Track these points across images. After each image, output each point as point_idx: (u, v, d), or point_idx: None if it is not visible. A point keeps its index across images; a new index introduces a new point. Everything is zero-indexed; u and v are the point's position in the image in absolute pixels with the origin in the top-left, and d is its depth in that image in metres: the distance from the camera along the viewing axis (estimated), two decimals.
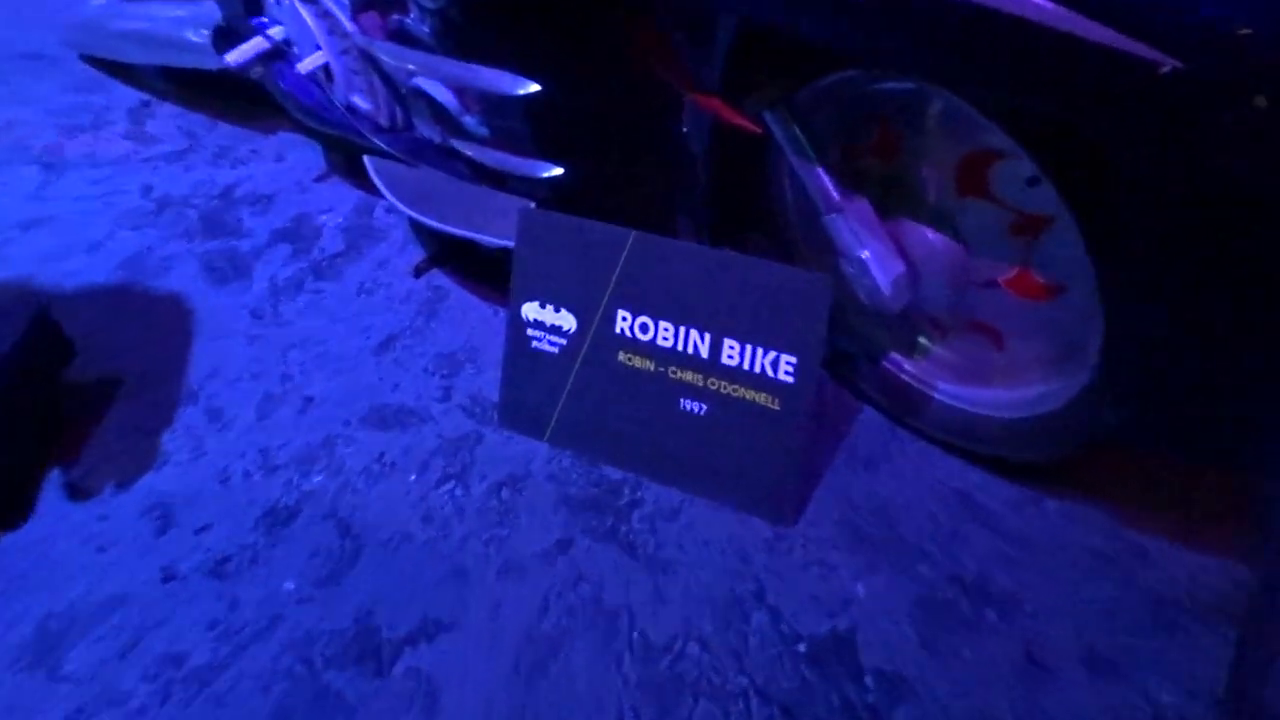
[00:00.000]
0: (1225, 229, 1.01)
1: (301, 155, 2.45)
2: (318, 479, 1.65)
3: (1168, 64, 0.91)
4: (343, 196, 2.30)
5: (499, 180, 1.80)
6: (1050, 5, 0.95)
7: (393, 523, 1.55)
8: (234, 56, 2.10)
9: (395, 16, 1.79)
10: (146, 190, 2.40)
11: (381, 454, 1.68)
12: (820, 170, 1.37)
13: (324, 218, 2.24)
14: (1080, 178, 1.11)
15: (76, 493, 1.68)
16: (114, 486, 1.68)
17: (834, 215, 1.39)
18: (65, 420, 1.78)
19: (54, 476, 1.70)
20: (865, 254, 1.39)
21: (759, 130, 1.37)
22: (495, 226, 1.73)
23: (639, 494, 1.57)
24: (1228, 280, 1.05)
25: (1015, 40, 0.99)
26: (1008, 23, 0.98)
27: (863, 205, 1.40)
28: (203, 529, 1.57)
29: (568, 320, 1.60)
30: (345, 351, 1.90)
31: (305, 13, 1.96)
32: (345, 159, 2.35)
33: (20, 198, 2.43)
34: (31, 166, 2.54)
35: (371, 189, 2.01)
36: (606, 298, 1.56)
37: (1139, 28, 0.92)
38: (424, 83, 1.80)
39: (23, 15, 3.32)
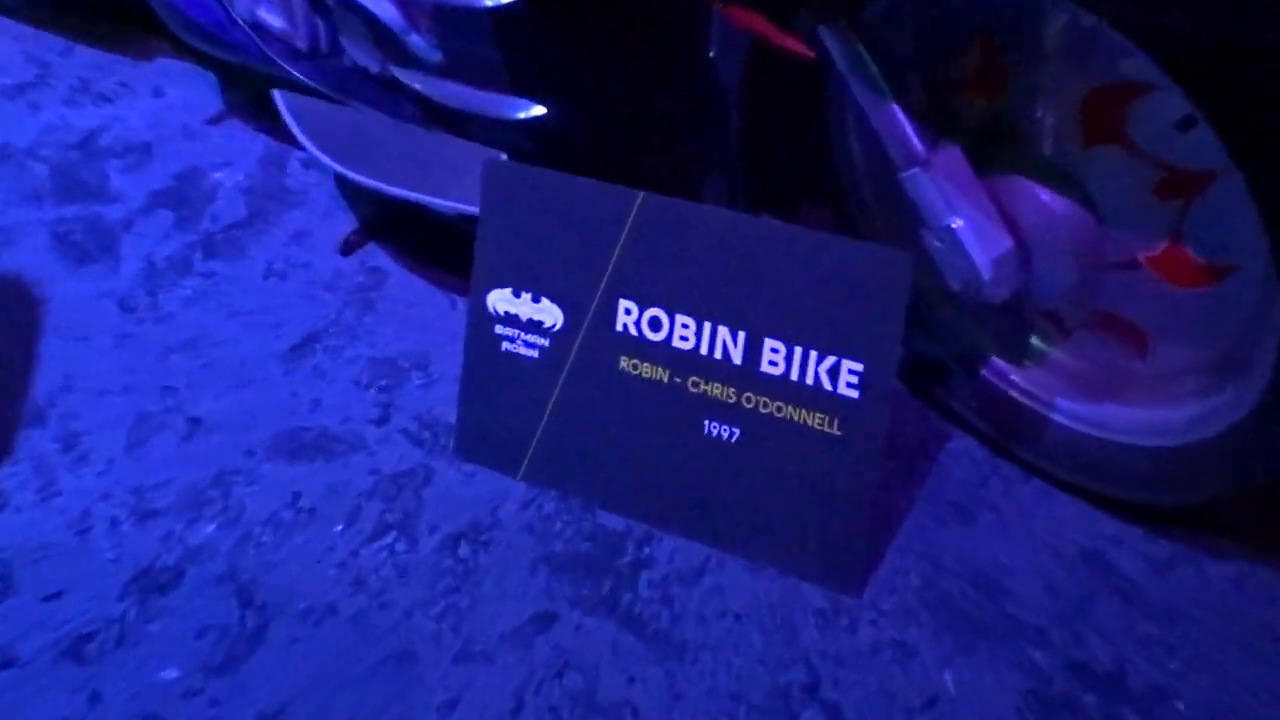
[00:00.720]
0: None
1: (188, 90, 2.46)
2: (209, 530, 1.65)
3: None
4: (245, 146, 2.31)
5: (458, 124, 1.80)
6: None
7: (311, 590, 1.55)
8: None
9: None
10: None
11: (296, 496, 1.68)
12: (897, 109, 1.37)
13: (219, 175, 2.25)
14: (1249, 117, 1.11)
15: None
16: None
17: (915, 171, 1.39)
18: None
19: None
20: (958, 223, 1.39)
21: (812, 54, 1.37)
22: (453, 187, 1.73)
23: (647, 550, 1.57)
24: None
25: None
26: None
27: (955, 156, 1.40)
28: (53, 596, 1.57)
29: (551, 314, 1.61)
30: (247, 357, 1.91)
31: None
32: (249, 95, 2.35)
33: None
34: None
35: (285, 136, 2.01)
36: (604, 284, 1.57)
37: None
38: None
39: None
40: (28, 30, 2.71)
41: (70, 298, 2.04)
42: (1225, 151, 1.15)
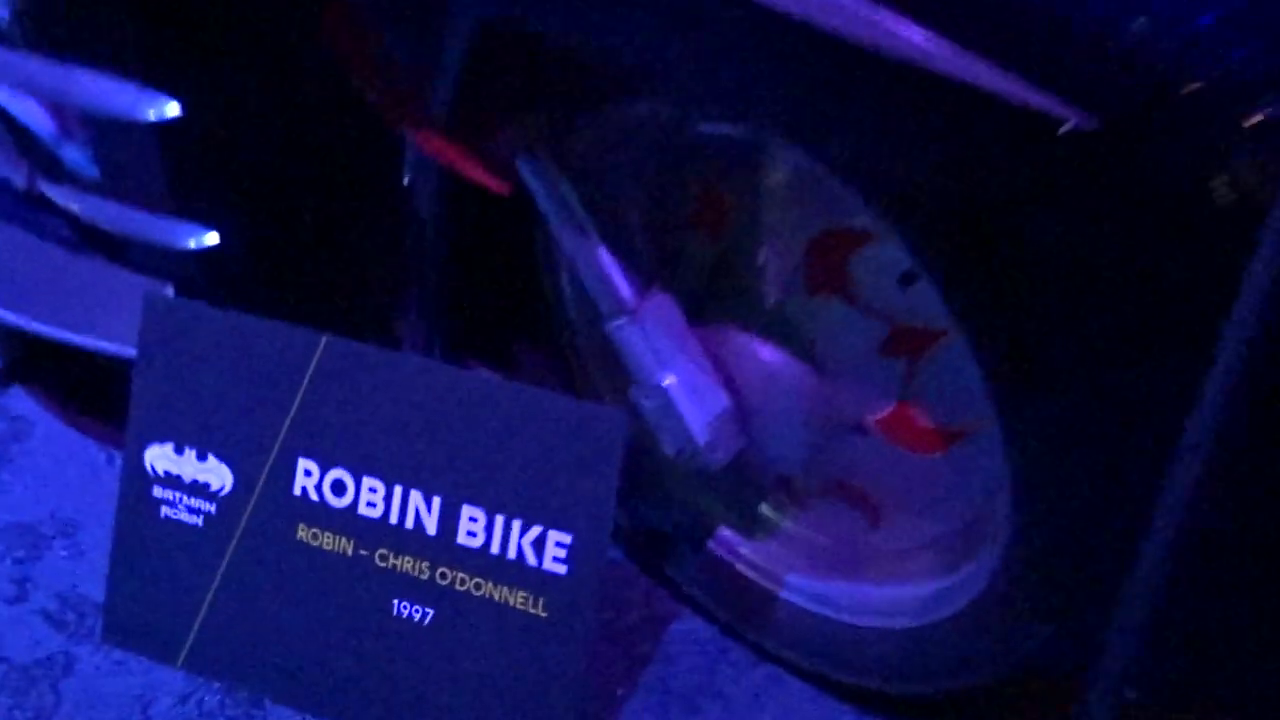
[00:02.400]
0: (1168, 351, 1.06)
1: None
2: None
3: (1074, 120, 0.95)
4: None
5: (117, 250, 1.75)
6: (933, 41, 0.99)
7: None
8: None
9: None
10: None
11: None
12: (603, 252, 1.39)
13: None
14: (971, 272, 1.15)
15: None
16: None
17: (622, 322, 1.41)
18: None
19: None
20: (669, 380, 1.40)
21: (506, 190, 1.38)
22: (109, 323, 1.68)
23: None
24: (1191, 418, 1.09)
25: (883, 80, 1.03)
26: (872, 55, 1.02)
27: (667, 305, 1.42)
28: None
29: (219, 475, 1.57)
30: None
31: None
32: None
33: None
34: None
35: None
36: (281, 440, 1.54)
37: (1045, 72, 0.97)
38: (2, 95, 1.75)
39: None
40: None
41: None
42: (948, 307, 1.18)
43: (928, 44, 0.98)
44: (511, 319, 1.69)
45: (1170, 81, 0.95)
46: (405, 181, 1.53)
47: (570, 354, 1.70)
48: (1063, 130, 0.95)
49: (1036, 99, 0.95)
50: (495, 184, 1.37)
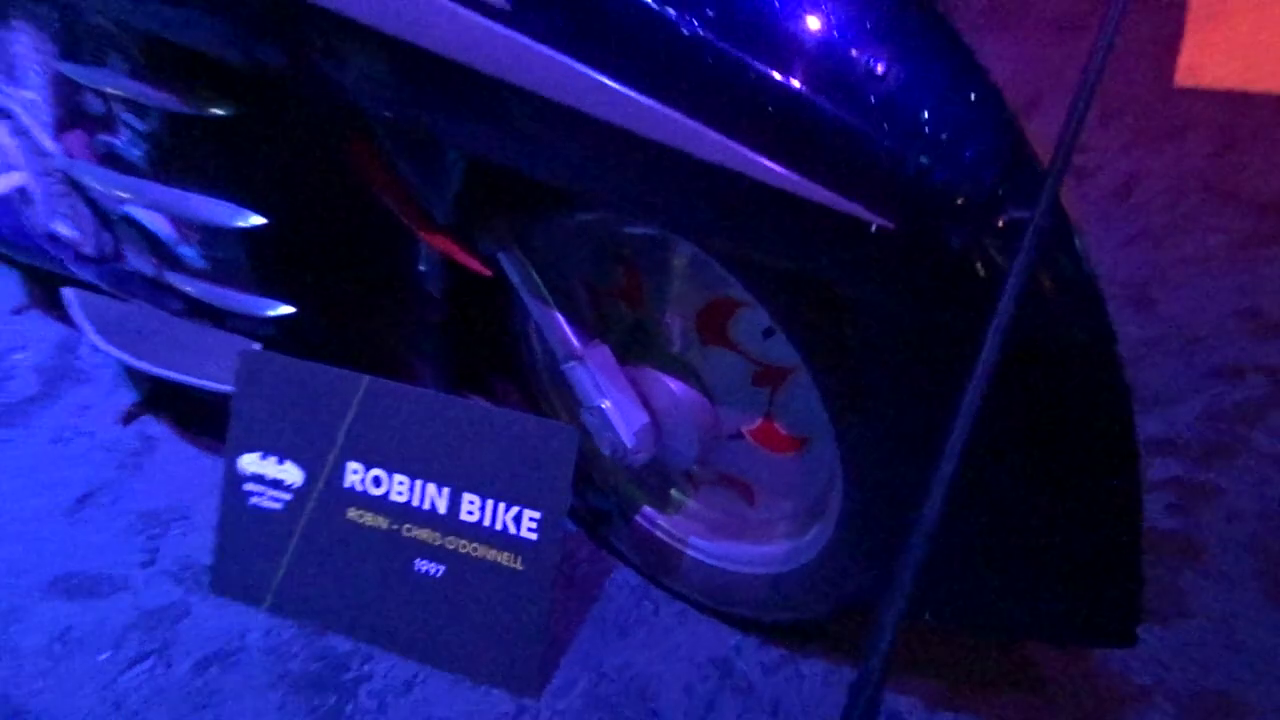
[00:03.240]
0: (950, 387, 1.14)
1: None
2: None
3: (880, 223, 1.04)
4: (43, 332, 2.26)
5: (219, 318, 1.82)
6: (773, 165, 1.08)
7: (77, 709, 1.52)
8: None
9: (103, 137, 1.81)
10: None
11: (67, 629, 1.64)
12: (558, 314, 1.46)
13: (18, 356, 2.20)
14: (812, 330, 1.24)
15: None
16: None
17: (573, 363, 1.47)
18: None
19: None
20: (606, 404, 1.47)
21: (489, 273, 1.45)
22: (213, 369, 1.75)
23: (368, 667, 1.58)
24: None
25: (741, 194, 1.10)
26: (732, 177, 1.10)
27: (603, 352, 1.49)
28: None
29: (292, 474, 1.63)
30: (31, 511, 1.86)
31: None
32: (45, 289, 2.31)
33: None
34: None
35: (76, 323, 1.99)
36: (336, 449, 1.60)
37: (855, 188, 1.06)
38: (136, 210, 1.82)
39: None
40: None
41: None
42: (796, 352, 1.27)
43: (780, 174, 1.06)
44: (494, 362, 1.74)
45: (944, 195, 1.04)
46: (420, 267, 1.62)
47: (534, 386, 1.75)
48: (873, 228, 1.04)
49: (852, 208, 1.04)
50: (482, 269, 1.45)
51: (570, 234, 1.47)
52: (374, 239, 1.62)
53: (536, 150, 1.25)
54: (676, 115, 1.10)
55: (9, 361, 2.19)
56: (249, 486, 1.64)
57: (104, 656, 1.60)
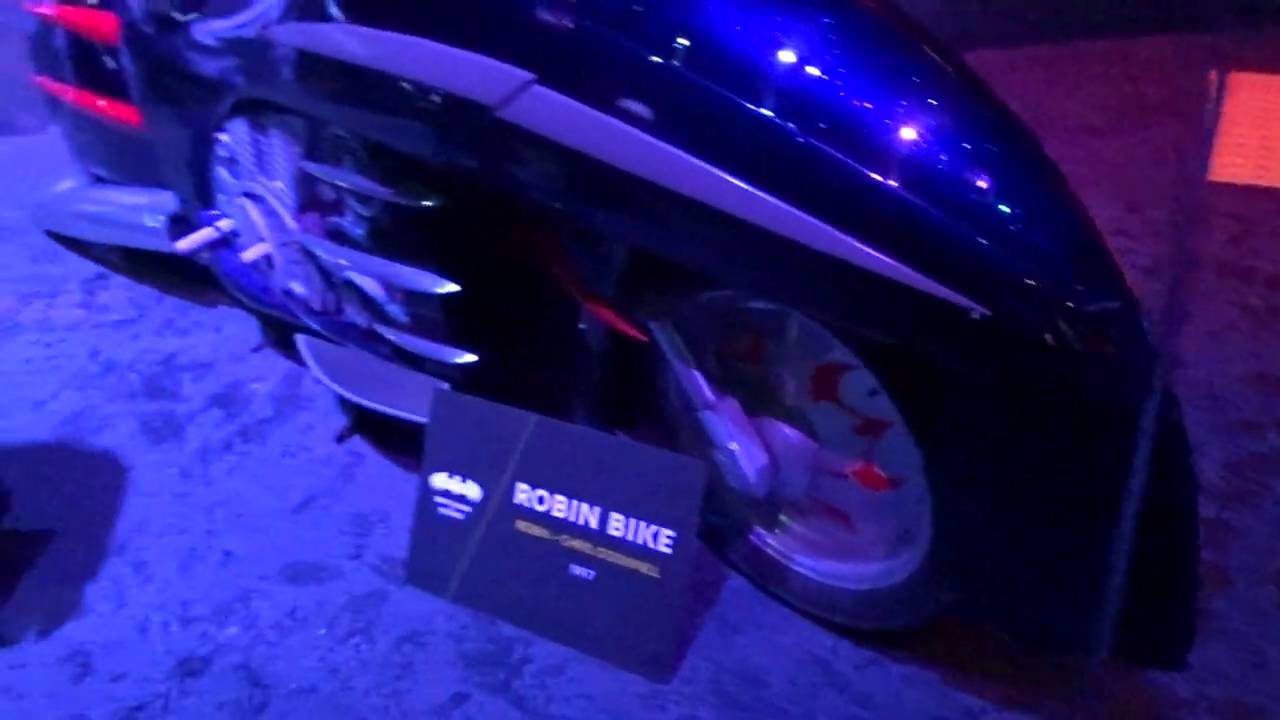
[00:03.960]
0: (1031, 442, 1.09)
1: (240, 327, 2.42)
2: (232, 631, 1.59)
3: (978, 310, 0.98)
4: (275, 366, 2.27)
5: (416, 362, 1.80)
6: (884, 258, 1.02)
7: (300, 674, 1.50)
8: (184, 244, 2.09)
9: (333, 218, 1.82)
10: (94, 354, 2.35)
11: (294, 608, 1.62)
12: (697, 373, 1.41)
13: (256, 385, 2.21)
14: (912, 392, 1.18)
15: None
16: (35, 635, 1.59)
17: (708, 412, 1.42)
18: None
19: None
20: (734, 446, 1.42)
21: (645, 339, 1.41)
22: (411, 403, 1.73)
23: (530, 650, 1.54)
24: (1034, 483, 1.12)
25: (857, 282, 1.06)
26: (850, 268, 1.05)
27: (732, 404, 1.44)
28: (118, 677, 1.50)
29: (473, 490, 1.59)
30: (266, 510, 1.85)
31: (253, 209, 1.98)
32: (278, 333, 2.33)
33: None
34: None
35: (302, 361, 2.00)
36: (509, 472, 1.57)
37: (956, 278, 1.00)
38: (355, 275, 1.82)
39: None
40: (132, 283, 2.67)
41: (148, 466, 1.97)
42: (897, 410, 1.21)
43: (893, 267, 1.01)
44: (639, 406, 1.69)
45: (1033, 288, 0.99)
46: (581, 326, 1.59)
47: (671, 427, 1.68)
48: (974, 316, 0.99)
49: (956, 297, 0.99)
50: (638, 335, 1.42)
51: (709, 307, 1.42)
52: (544, 304, 1.60)
53: (686, 241, 1.21)
54: (806, 217, 1.06)
55: (250, 389, 2.20)
56: (438, 499, 1.61)
57: (322, 632, 1.58)
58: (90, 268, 2.74)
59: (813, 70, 1.12)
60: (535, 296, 1.60)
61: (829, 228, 1.04)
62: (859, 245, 1.03)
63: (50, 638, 1.59)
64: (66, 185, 2.74)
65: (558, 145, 1.18)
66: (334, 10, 1.44)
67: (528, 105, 1.18)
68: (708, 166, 1.10)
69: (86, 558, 1.75)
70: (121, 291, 2.63)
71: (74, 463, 2.00)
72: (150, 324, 2.47)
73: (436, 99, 1.29)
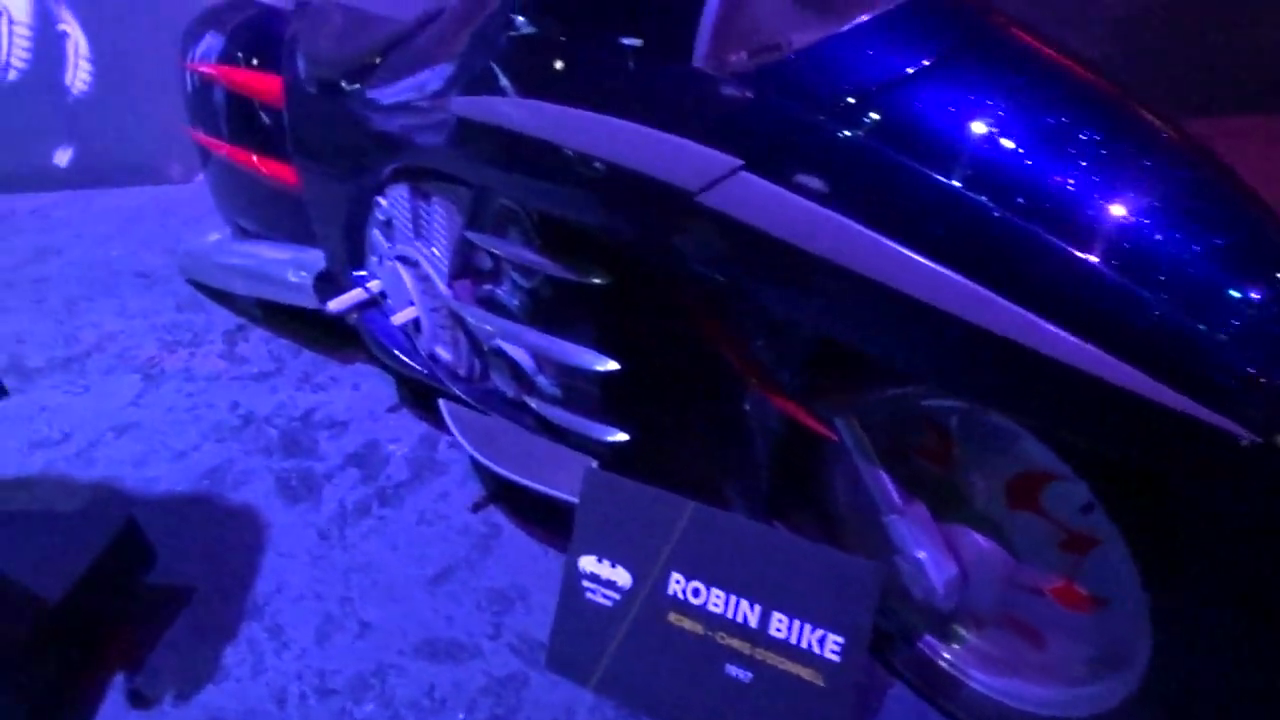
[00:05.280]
0: (1269, 559, 0.96)
1: (376, 385, 2.40)
2: (369, 708, 1.53)
3: (1247, 438, 0.86)
4: (410, 428, 2.23)
5: (562, 436, 1.74)
6: (1123, 365, 0.91)
7: None
8: (335, 305, 2.08)
9: (488, 286, 1.77)
10: (234, 406, 2.35)
11: (431, 687, 1.56)
12: (883, 474, 1.30)
13: (392, 447, 2.17)
14: (1138, 512, 1.06)
15: (137, 700, 1.56)
16: (173, 697, 1.56)
17: (894, 517, 1.31)
18: (135, 625, 1.67)
19: (118, 681, 1.58)
20: (922, 555, 1.30)
21: (834, 436, 1.31)
22: (556, 479, 1.66)
23: None
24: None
25: (1087, 390, 0.94)
26: (1078, 374, 0.94)
27: (920, 510, 1.32)
28: None
29: (623, 577, 1.51)
30: (402, 580, 1.79)
31: (405, 274, 1.95)
32: (417, 395, 2.30)
33: (118, 403, 2.38)
34: (133, 375, 2.50)
35: (439, 424, 1.95)
36: (662, 560, 1.48)
37: (1218, 399, 0.88)
38: (504, 344, 1.77)
39: (142, 239, 3.35)
40: (272, 335, 2.68)
41: (285, 526, 1.94)
42: (1116, 529, 1.09)
43: (1146, 383, 0.90)
44: (801, 500, 1.57)
45: None
46: (746, 409, 1.48)
47: (839, 526, 1.55)
48: (1243, 443, 0.87)
49: (1223, 422, 0.87)
50: (827, 433, 1.30)
51: (894, 403, 1.30)
52: (707, 385, 1.50)
53: (889, 334, 1.11)
54: (1030, 315, 0.95)
55: (386, 450, 2.16)
56: (585, 583, 1.53)
57: (461, 717, 1.50)
58: (231, 318, 2.77)
59: (1030, 146, 1.04)
60: (698, 377, 1.51)
61: (1058, 330, 0.94)
62: (1090, 348, 0.93)
63: (189, 701, 1.55)
64: (214, 237, 2.79)
65: (760, 232, 1.10)
66: (505, 82, 1.40)
67: (732, 192, 1.11)
68: (917, 255, 1.01)
69: (225, 618, 1.71)
70: (261, 343, 2.64)
71: (213, 518, 1.99)
72: (289, 378, 2.47)
73: (631, 181, 1.22)
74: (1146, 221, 0.98)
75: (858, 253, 1.05)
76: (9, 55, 3.55)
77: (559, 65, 1.32)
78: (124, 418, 2.32)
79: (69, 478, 2.11)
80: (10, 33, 3.51)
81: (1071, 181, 1.01)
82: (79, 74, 3.63)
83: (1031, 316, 0.95)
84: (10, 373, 2.51)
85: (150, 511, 1.94)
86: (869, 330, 1.12)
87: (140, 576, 1.72)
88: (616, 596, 1.51)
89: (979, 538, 1.31)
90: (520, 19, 1.38)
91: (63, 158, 3.78)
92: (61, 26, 3.55)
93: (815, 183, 1.06)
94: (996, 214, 0.99)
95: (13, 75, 3.61)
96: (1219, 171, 1.09)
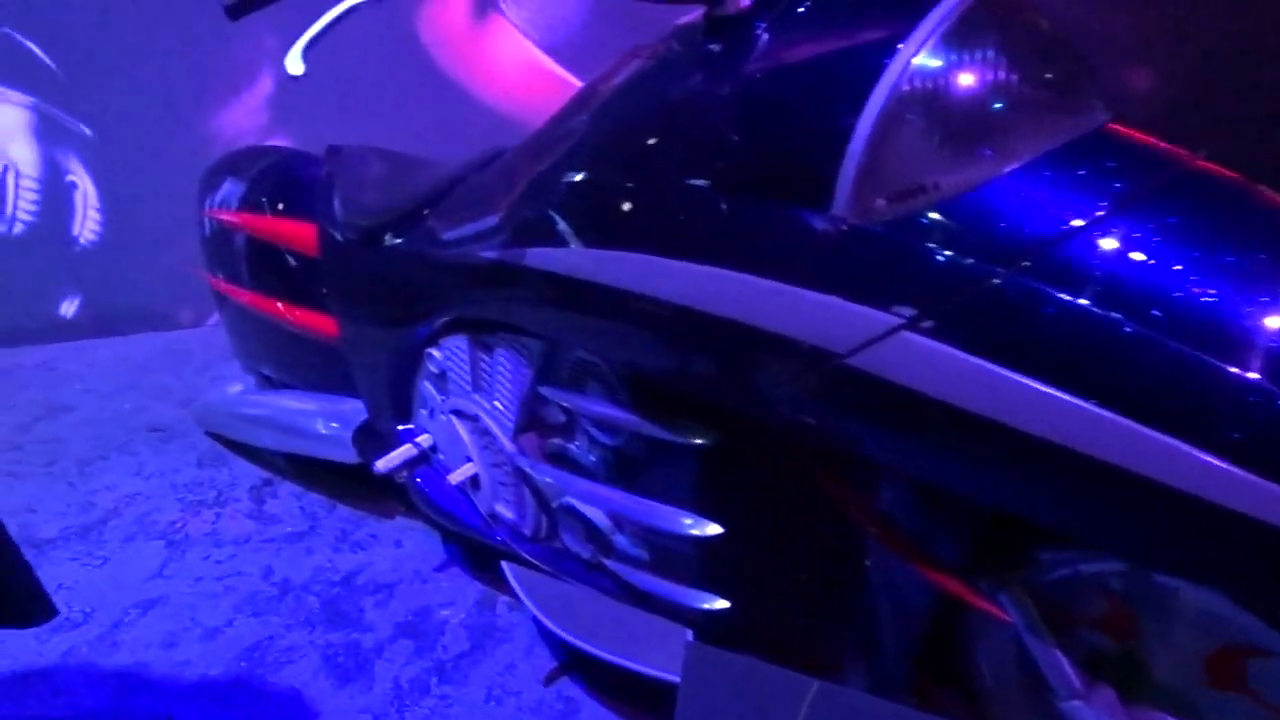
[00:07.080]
0: None
1: (420, 542, 2.22)
2: None
3: None
4: (464, 589, 2.05)
5: (647, 601, 1.56)
6: None
7: None
8: (384, 464, 1.92)
9: (558, 440, 1.62)
10: (268, 573, 2.16)
11: None
12: (1058, 653, 1.13)
13: (446, 612, 1.98)
14: None
15: None
16: None
17: (1076, 703, 1.13)
18: None
19: None
20: None
21: (1006, 616, 1.14)
22: (643, 652, 1.48)
23: None
24: None
25: None
26: None
27: (1107, 694, 1.14)
28: None
29: None
30: None
31: (461, 428, 1.80)
32: (466, 551, 2.12)
33: (141, 575, 2.18)
34: (156, 542, 2.31)
35: (495, 583, 1.77)
36: None
37: None
38: (576, 502, 1.61)
39: (155, 390, 3.19)
40: (301, 489, 2.50)
41: (338, 710, 1.74)
42: None
43: None
44: (943, 677, 1.37)
45: None
46: (867, 565, 1.31)
47: (984, 705, 1.33)
48: None
49: None
50: (997, 612, 1.14)
51: (1062, 579, 1.14)
52: (826, 549, 1.33)
53: (1070, 504, 0.98)
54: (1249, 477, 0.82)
55: (439, 617, 1.97)
56: None
57: None
58: (256, 473, 2.59)
59: (1227, 294, 0.92)
60: (814, 540, 1.34)
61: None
62: None
63: None
64: (236, 389, 2.64)
65: (925, 397, 0.96)
66: (564, 230, 1.28)
67: (891, 353, 0.97)
68: (1106, 411, 0.87)
69: None
70: (291, 499, 2.46)
71: (257, 706, 1.78)
72: (324, 537, 2.28)
73: (757, 340, 1.08)
74: None
75: (1044, 415, 0.91)
76: (15, 209, 3.44)
77: (666, 215, 1.19)
78: (148, 592, 2.12)
79: (93, 666, 1.91)
80: (17, 186, 3.41)
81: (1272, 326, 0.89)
82: (87, 224, 3.53)
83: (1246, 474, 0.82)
84: (23, 546, 2.30)
85: (185, 702, 1.74)
86: (1057, 502, 0.97)
87: None
88: None
89: None
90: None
91: (69, 308, 3.65)
92: (70, 178, 3.46)
93: (993, 342, 0.92)
94: (1203, 363, 0.86)
95: (18, 229, 3.50)
96: None
